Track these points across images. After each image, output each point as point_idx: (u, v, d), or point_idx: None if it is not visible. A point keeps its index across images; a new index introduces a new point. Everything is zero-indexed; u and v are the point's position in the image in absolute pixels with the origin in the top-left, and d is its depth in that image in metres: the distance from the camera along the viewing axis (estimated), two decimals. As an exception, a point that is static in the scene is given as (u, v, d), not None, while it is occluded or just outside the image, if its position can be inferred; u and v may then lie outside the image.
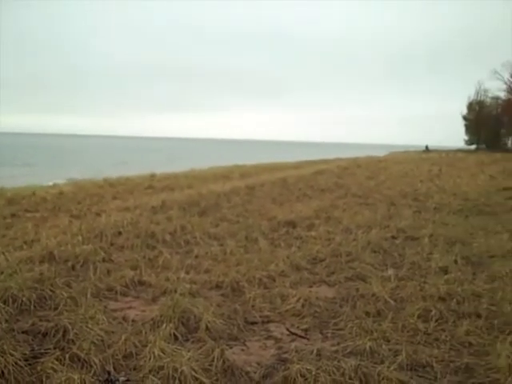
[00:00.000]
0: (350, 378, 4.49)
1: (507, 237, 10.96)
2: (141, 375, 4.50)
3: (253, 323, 6.02)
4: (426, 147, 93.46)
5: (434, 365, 4.90)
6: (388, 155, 71.67)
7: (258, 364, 4.91)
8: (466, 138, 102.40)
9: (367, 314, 6.27)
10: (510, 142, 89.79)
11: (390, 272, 8.02)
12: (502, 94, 73.00)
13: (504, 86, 68.93)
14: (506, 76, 66.67)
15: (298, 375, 4.48)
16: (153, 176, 24.43)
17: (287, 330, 5.79)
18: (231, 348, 5.23)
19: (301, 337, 5.62)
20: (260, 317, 6.16)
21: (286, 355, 5.09)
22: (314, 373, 4.49)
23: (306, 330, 5.83)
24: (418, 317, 6.12)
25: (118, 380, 4.39)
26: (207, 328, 5.54)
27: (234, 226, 11.51)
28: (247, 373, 4.72)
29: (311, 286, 7.47)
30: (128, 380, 4.42)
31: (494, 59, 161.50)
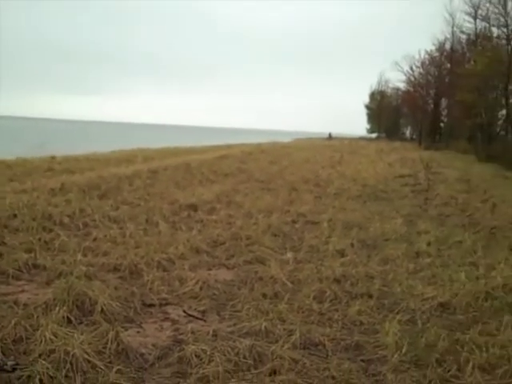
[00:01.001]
0: (245, 358, 4.55)
1: (401, 221, 11.42)
2: (30, 359, 4.36)
3: (150, 305, 5.97)
4: (330, 135, 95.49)
5: (326, 343, 5.04)
6: (292, 142, 72.71)
7: (154, 345, 4.88)
8: (368, 126, 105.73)
9: (264, 295, 6.36)
10: (408, 131, 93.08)
11: (289, 255, 8.18)
12: (402, 85, 75.60)
13: (404, 78, 71.42)
14: (406, 68, 69.05)
15: (193, 356, 4.50)
16: (53, 158, 23.61)
17: (184, 311, 5.79)
18: (127, 330, 5.16)
19: (198, 318, 5.63)
20: (158, 299, 6.12)
21: (182, 336, 5.09)
22: (208, 353, 4.52)
23: (203, 312, 5.85)
24: (314, 298, 6.28)
25: (6, 364, 4.24)
26: (102, 311, 5.43)
27: (134, 209, 11.35)
28: (142, 354, 4.69)
29: (210, 269, 7.51)
30: (17, 364, 4.28)
31: (398, 51, 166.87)
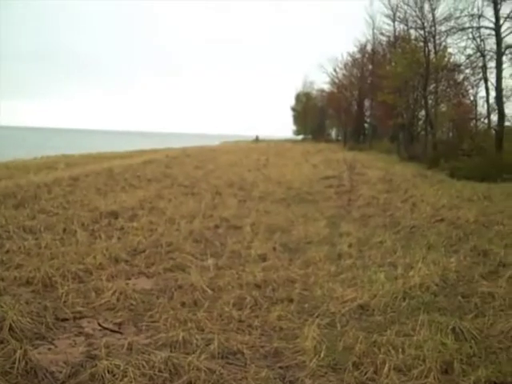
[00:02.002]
0: (160, 371, 4.43)
1: (324, 223, 11.54)
2: None
3: (63, 320, 5.74)
4: (257, 137, 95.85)
5: (245, 351, 4.99)
6: (219, 145, 72.65)
7: (65, 363, 4.67)
8: (294, 128, 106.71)
9: (183, 304, 6.26)
10: (333, 132, 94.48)
11: (210, 261, 8.07)
12: (326, 87, 76.79)
13: (328, 79, 72.58)
14: (330, 70, 70.19)
15: (106, 372, 4.35)
16: (-33, 167, 22.72)
17: (99, 324, 5.61)
18: (37, 348, 4.94)
19: (113, 331, 5.47)
20: (72, 313, 5.90)
21: (95, 352, 4.90)
22: (122, 368, 4.38)
23: (119, 324, 5.69)
24: (234, 305, 6.22)
25: None
26: (11, 328, 5.17)
27: (52, 219, 10.97)
28: (52, 373, 4.48)
29: (129, 279, 7.32)
30: None
31: (327, 54, 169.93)
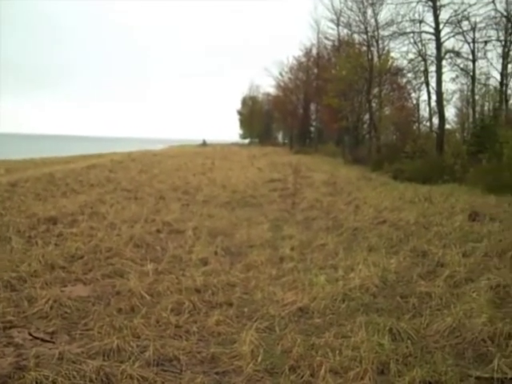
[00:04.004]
0: (91, 381, 4.31)
1: (267, 227, 11.53)
2: None
3: (-8, 331, 5.54)
4: (204, 141, 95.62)
5: (181, 357, 4.89)
6: (165, 149, 72.13)
7: (-8, 375, 4.51)
8: (241, 132, 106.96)
9: (120, 311, 6.14)
10: (280, 136, 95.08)
11: (150, 266, 7.93)
12: (272, 91, 77.33)
13: (274, 83, 73.11)
14: (276, 73, 70.74)
15: (34, 383, 4.20)
16: None
17: (30, 334, 5.42)
18: (-37, 361, 4.75)
19: (45, 341, 5.29)
20: (2, 323, 5.67)
21: (24, 362, 4.71)
22: (51, 379, 4.24)
23: (52, 333, 5.51)
24: (172, 310, 6.12)
25: None
26: None
27: (-14, 226, 10.63)
28: (-23, 386, 4.32)
29: (65, 286, 7.12)
30: None
31: (269, 58, 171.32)
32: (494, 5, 24.89)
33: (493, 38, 30.57)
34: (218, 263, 8.35)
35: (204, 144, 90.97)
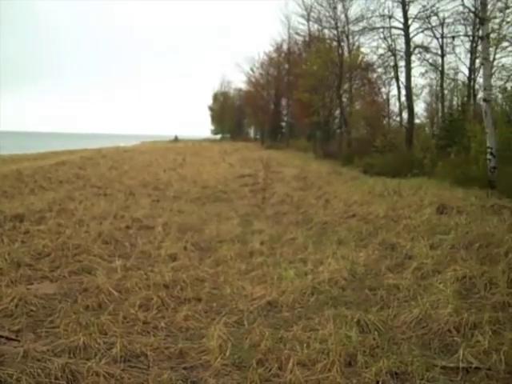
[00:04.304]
0: (57, 378, 4.26)
1: (237, 222, 11.53)
2: None
3: (-45, 330, 5.44)
4: (176, 137, 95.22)
5: (149, 353, 4.87)
6: (137, 145, 71.68)
7: (-45, 375, 4.43)
8: (213, 127, 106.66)
9: (87, 308, 6.09)
10: (252, 131, 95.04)
11: (118, 263, 7.86)
12: (244, 86, 77.26)
13: (245, 78, 73.06)
14: (247, 69, 70.75)
15: (-2, 382, 4.14)
16: None
17: (-5, 333, 5.34)
18: None
19: (10, 339, 5.21)
20: (-34, 321, 5.61)
21: (-12, 361, 4.66)
22: (15, 377, 4.19)
23: (17, 332, 5.43)
24: (140, 306, 6.10)
25: None
26: None
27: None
28: None
29: (31, 283, 7.03)
30: None
31: (241, 53, 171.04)
32: (462, 0, 25.15)
33: (461, 34, 30.89)
34: (187, 258, 8.32)
35: (176, 140, 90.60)
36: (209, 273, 7.59)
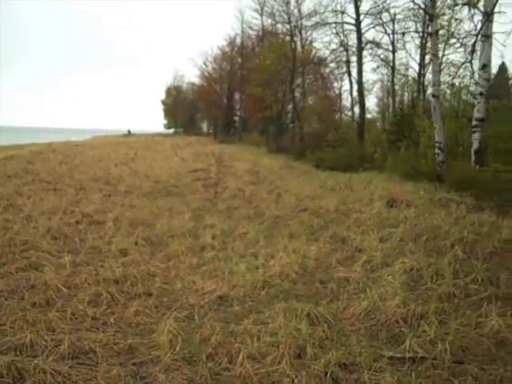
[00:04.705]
0: (2, 376, 4.19)
1: (189, 216, 11.49)
2: None
3: None
4: (129, 131, 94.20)
5: (97, 349, 4.82)
6: (89, 139, 70.58)
7: None
8: (165, 121, 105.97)
9: (34, 304, 5.97)
10: (205, 125, 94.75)
11: (67, 258, 7.74)
12: (197, 80, 76.92)
13: (198, 73, 72.93)
14: (200, 63, 70.63)
15: None
16: None
17: None
18: None
19: (-46, 337, 5.09)
20: None
21: None
22: (-41, 376, 4.09)
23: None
24: (89, 302, 6.02)
25: None
26: None
27: None
28: None
29: (-24, 282, 6.86)
30: None
31: (195, 48, 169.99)
32: (412, -3, 25.50)
33: (411, 30, 31.48)
34: (138, 253, 8.26)
35: (129, 134, 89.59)
36: (160, 267, 7.56)
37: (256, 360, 4.61)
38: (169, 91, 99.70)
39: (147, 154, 32.77)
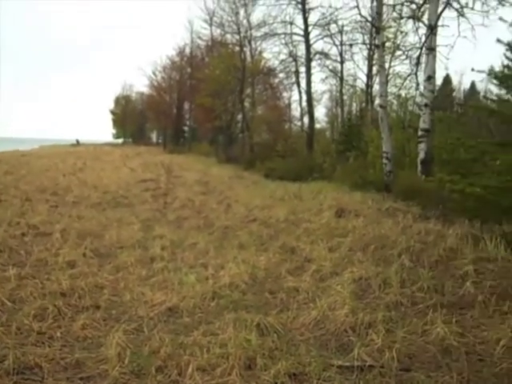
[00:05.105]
0: None
1: (138, 227, 11.39)
2: None
3: None
4: (77, 141, 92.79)
5: (43, 364, 4.70)
6: (36, 149, 69.18)
7: None
8: (114, 131, 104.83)
9: (-23, 319, 5.81)
10: (154, 135, 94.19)
11: (12, 271, 7.55)
12: (146, 90, 76.42)
13: (147, 82, 72.42)
14: (149, 73, 70.19)
15: None
16: None
17: None
18: None
19: None
20: None
21: None
22: None
23: None
24: (34, 316, 5.87)
25: None
26: None
27: None
28: None
29: None
30: None
31: (143, 58, 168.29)
32: (359, 10, 25.95)
33: (359, 42, 32.06)
34: (85, 265, 8.13)
35: (77, 144, 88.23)
36: (108, 279, 7.45)
37: (206, 372, 4.59)
38: (117, 101, 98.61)
39: (96, 164, 32.34)
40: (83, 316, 5.93)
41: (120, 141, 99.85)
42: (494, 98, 13.27)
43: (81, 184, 20.25)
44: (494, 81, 11.18)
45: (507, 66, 10.89)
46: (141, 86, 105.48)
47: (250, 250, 9.12)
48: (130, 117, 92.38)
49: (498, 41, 10.23)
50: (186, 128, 67.73)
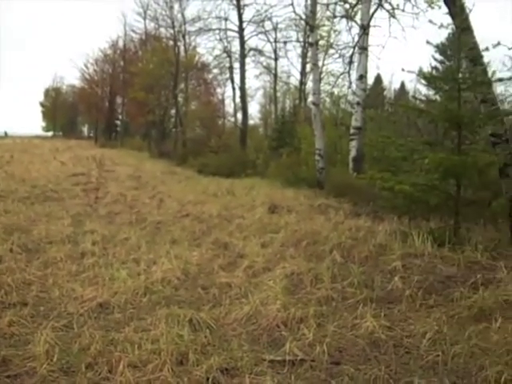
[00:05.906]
0: None
1: (68, 222, 11.15)
2: None
3: None
4: (5, 133, 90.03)
5: (-32, 363, 4.56)
6: (-42, 141, 66.89)
7: None
8: (44, 124, 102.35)
9: None
10: (86, 129, 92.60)
11: None
12: (78, 83, 74.88)
13: (79, 75, 70.89)
14: (81, 65, 68.81)
15: None
16: None
17: None
18: None
19: None
20: None
21: None
22: None
23: None
24: (-46, 315, 5.67)
25: None
26: None
27: None
28: None
29: None
30: None
31: (75, 50, 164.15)
32: (293, 7, 26.28)
33: (293, 39, 32.44)
34: (13, 261, 7.87)
35: (5, 136, 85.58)
36: (36, 275, 7.26)
37: (137, 368, 4.54)
38: (47, 93, 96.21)
39: (24, 157, 31.47)
40: (10, 313, 5.74)
41: (50, 134, 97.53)
42: (423, 98, 13.66)
43: (8, 177, 19.67)
44: (423, 81, 11.51)
45: (435, 68, 11.23)
46: (72, 78, 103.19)
47: (183, 246, 9.07)
48: (61, 110, 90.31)
49: (428, 42, 10.51)
50: (118, 122, 66.88)
